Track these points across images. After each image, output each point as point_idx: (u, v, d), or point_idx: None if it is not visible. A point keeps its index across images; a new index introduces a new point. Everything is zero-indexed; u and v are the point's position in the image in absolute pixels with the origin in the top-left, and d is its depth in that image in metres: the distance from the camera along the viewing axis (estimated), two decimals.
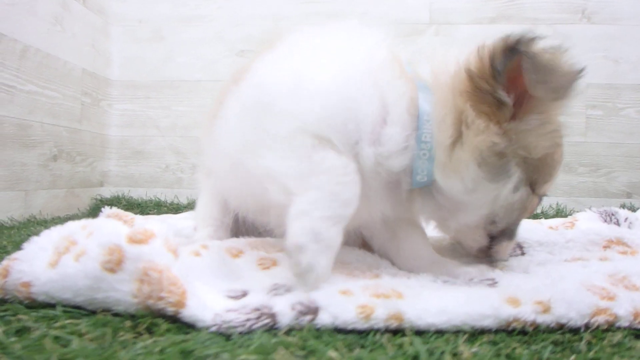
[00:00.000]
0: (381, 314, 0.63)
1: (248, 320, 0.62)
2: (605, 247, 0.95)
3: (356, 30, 0.82)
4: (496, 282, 0.76)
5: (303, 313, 0.63)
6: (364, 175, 0.75)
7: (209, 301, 0.66)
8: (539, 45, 0.68)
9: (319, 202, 0.70)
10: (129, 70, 2.35)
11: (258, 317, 0.62)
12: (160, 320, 0.63)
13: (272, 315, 0.63)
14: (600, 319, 0.65)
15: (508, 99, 0.71)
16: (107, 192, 2.30)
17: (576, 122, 2.12)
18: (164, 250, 0.67)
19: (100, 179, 2.29)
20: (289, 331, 0.62)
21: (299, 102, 0.74)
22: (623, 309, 0.66)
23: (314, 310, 0.64)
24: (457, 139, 0.74)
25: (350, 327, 0.63)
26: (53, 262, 0.70)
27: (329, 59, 0.78)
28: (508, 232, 0.84)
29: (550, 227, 1.04)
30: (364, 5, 2.27)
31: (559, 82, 0.67)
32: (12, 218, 1.63)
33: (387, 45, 0.80)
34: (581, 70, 0.69)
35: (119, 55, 2.34)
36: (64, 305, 0.68)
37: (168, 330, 0.61)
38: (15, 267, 0.72)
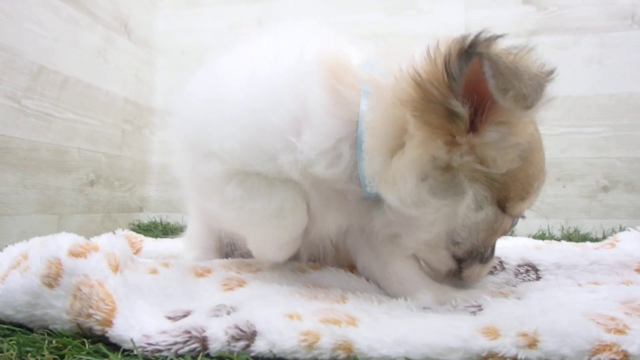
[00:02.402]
0: (326, 343, 0.55)
1: (175, 343, 0.56)
2: (639, 270, 0.80)
3: (285, 37, 0.76)
4: (481, 310, 0.64)
5: (236, 338, 0.56)
6: (308, 188, 0.71)
7: (144, 321, 0.60)
8: (501, 46, 0.57)
9: (264, 244, 0.81)
10: (171, 98, 2.43)
11: (185, 341, 0.56)
12: (87, 341, 0.59)
13: (202, 340, 0.56)
14: (604, 358, 0.51)
15: (463, 110, 0.60)
16: (145, 217, 2.35)
17: None
18: (103, 264, 0.63)
19: (140, 204, 2.36)
20: (220, 358, 0.55)
21: (218, 138, 0.71)
22: (636, 345, 0.52)
23: (249, 336, 0.56)
24: (398, 149, 0.65)
25: (290, 357, 0.55)
26: (2, 277, 0.68)
27: (242, 78, 0.72)
28: (478, 255, 0.74)
29: (575, 245, 0.89)
30: (396, 25, 2.22)
31: (526, 87, 0.55)
32: None
33: (319, 48, 0.71)
34: (551, 73, 0.58)
35: (162, 85, 2.43)
36: (8, 323, 0.66)
37: (88, 353, 0.56)
38: None
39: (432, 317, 0.61)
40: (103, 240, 0.68)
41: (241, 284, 0.76)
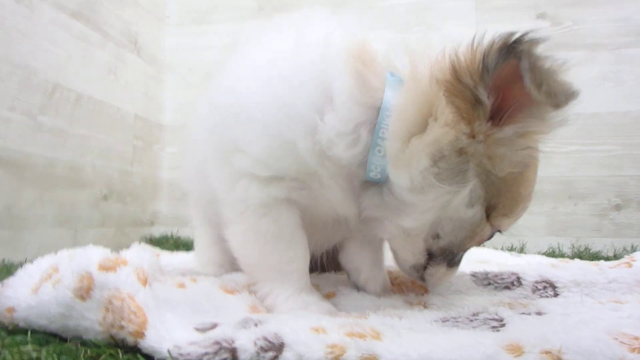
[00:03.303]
0: (352, 356, 0.55)
1: (206, 354, 0.57)
2: None
3: (305, 27, 0.77)
4: (504, 325, 0.65)
5: (265, 349, 0.57)
6: (326, 180, 0.75)
7: (174, 333, 0.62)
8: (542, 50, 0.61)
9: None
10: (180, 115, 2.46)
11: (216, 352, 0.57)
12: (120, 351, 0.60)
13: (232, 350, 0.57)
14: None
15: (487, 99, 0.64)
16: (156, 231, 2.37)
17: None
18: (133, 278, 0.65)
19: (151, 218, 2.38)
20: None
21: (243, 132, 0.75)
22: None
23: (278, 347, 0.57)
24: (418, 132, 0.68)
25: None
26: (35, 289, 0.70)
27: (266, 70, 0.75)
28: (449, 255, 0.77)
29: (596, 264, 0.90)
30: None
31: (558, 86, 0.59)
32: None
33: (345, 35, 0.74)
34: (578, 91, 0.60)
35: (170, 101, 2.47)
36: (42, 332, 0.68)
37: None
38: (2, 293, 0.73)
39: (456, 332, 0.62)
40: (132, 254, 0.69)
41: (267, 312, 0.77)
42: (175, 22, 2.54)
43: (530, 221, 2.09)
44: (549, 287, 0.86)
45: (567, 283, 0.86)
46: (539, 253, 1.91)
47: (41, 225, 1.66)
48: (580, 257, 1.65)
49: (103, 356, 0.59)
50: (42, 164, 1.65)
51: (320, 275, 0.99)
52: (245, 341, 0.58)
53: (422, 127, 0.68)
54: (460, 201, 0.69)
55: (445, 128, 0.66)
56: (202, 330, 0.64)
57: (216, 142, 0.82)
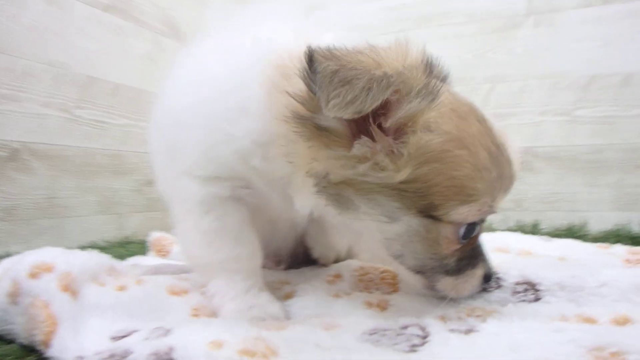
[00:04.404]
0: None
1: None
2: None
3: (244, 32, 0.74)
4: (425, 342, 0.57)
5: None
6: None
7: (86, 341, 0.62)
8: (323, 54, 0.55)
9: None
10: None
11: None
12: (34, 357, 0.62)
13: None
14: None
15: (335, 123, 0.59)
16: None
17: None
18: (53, 285, 0.66)
19: None
20: None
21: (180, 141, 0.75)
22: None
23: None
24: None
25: None
26: None
27: (195, 78, 0.75)
28: (437, 268, 0.68)
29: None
30: (452, 2, 2.07)
31: (355, 91, 0.53)
32: (106, 240, 1.84)
33: (270, 43, 0.69)
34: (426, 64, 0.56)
35: None
36: None
37: None
38: None
39: (366, 351, 0.56)
40: (61, 260, 0.71)
41: (211, 314, 0.75)
42: (217, 3, 2.54)
43: (593, 194, 1.87)
44: (530, 290, 0.75)
45: (551, 286, 0.73)
46: (602, 231, 1.71)
47: (83, 212, 1.78)
48: None
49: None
50: (81, 154, 1.76)
51: (289, 272, 0.95)
52: (138, 355, 0.57)
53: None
54: (375, 222, 0.64)
55: (302, 163, 0.63)
56: (116, 339, 0.64)
57: (162, 144, 0.83)
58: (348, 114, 0.54)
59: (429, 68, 0.60)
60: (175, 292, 0.79)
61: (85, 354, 0.59)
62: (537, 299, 0.74)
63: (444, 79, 0.75)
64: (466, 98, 0.69)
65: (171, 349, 0.57)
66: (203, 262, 0.79)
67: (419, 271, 0.69)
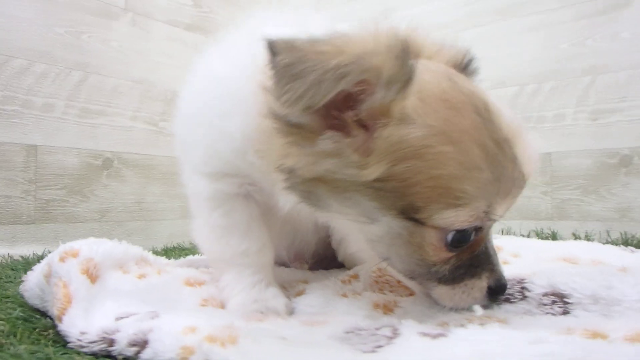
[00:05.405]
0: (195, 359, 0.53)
1: (92, 341, 0.62)
2: None
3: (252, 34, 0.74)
4: (391, 342, 0.52)
5: (132, 344, 0.59)
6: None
7: (95, 321, 0.67)
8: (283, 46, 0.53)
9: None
10: None
11: (101, 340, 0.62)
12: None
13: (110, 341, 0.61)
14: None
15: (305, 119, 0.56)
16: None
17: None
18: (75, 269, 0.73)
19: None
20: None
21: (190, 139, 0.78)
22: None
23: (142, 344, 0.58)
24: None
25: None
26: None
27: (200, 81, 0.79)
28: (427, 275, 0.61)
29: None
30: None
31: (305, 84, 0.50)
32: (190, 242, 1.98)
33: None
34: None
35: None
36: (37, 310, 0.81)
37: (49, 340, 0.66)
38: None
39: (331, 348, 0.53)
40: (86, 247, 0.78)
41: (220, 306, 0.77)
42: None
43: None
44: (558, 302, 0.65)
45: (583, 298, 0.63)
46: None
47: (169, 216, 1.94)
48: None
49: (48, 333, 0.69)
50: (167, 163, 1.93)
51: (311, 272, 0.94)
52: (122, 334, 0.61)
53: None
54: (353, 221, 0.60)
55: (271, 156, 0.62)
56: (118, 319, 0.69)
57: (179, 145, 0.88)
58: (298, 109, 0.52)
59: (405, 54, 0.53)
60: (190, 284, 0.83)
61: (90, 330, 0.65)
62: (565, 313, 0.64)
63: (472, 73, 0.70)
64: (476, 88, 0.61)
65: (150, 330, 0.60)
66: (214, 257, 0.81)
67: (412, 277, 0.64)
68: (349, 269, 0.93)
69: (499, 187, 0.56)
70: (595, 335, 0.50)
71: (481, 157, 0.55)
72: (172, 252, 1.66)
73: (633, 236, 1.55)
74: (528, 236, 1.67)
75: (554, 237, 1.65)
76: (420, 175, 0.54)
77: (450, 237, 0.57)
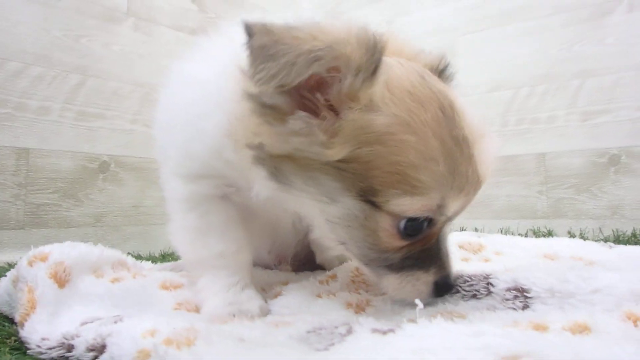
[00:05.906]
0: None
1: (51, 347, 0.63)
2: None
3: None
4: (343, 340, 0.52)
5: (90, 349, 0.59)
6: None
7: (60, 326, 0.68)
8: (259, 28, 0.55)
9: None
10: None
11: (59, 346, 0.62)
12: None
13: (69, 346, 0.61)
14: None
15: (277, 100, 0.58)
16: None
17: None
18: (42, 273, 0.74)
19: None
20: None
21: (168, 144, 0.79)
22: None
23: (100, 348, 0.59)
24: None
25: None
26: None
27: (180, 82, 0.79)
28: (381, 261, 0.63)
29: None
30: None
31: (279, 65, 0.52)
32: None
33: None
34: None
35: None
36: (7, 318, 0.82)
37: (9, 347, 0.67)
38: None
39: (284, 347, 0.53)
40: (58, 250, 0.79)
41: (195, 309, 0.78)
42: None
43: None
44: (519, 296, 0.64)
45: (542, 292, 0.62)
46: None
47: (167, 221, 1.95)
48: None
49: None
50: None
51: (290, 273, 0.94)
52: (81, 340, 0.61)
53: None
54: (313, 200, 0.61)
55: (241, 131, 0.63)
56: (84, 323, 0.69)
57: (157, 148, 0.88)
58: (271, 87, 0.54)
59: (374, 46, 0.57)
60: (165, 287, 0.83)
61: (51, 336, 0.65)
62: (525, 307, 0.63)
63: (448, 78, 0.71)
64: (445, 88, 0.64)
65: (109, 335, 0.60)
66: (191, 259, 0.82)
67: (366, 263, 0.65)
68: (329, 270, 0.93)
69: (453, 182, 0.58)
70: (538, 327, 0.50)
71: (438, 150, 0.57)
72: (169, 257, 1.66)
73: (624, 233, 1.54)
74: (526, 235, 1.67)
75: (550, 235, 1.64)
76: (381, 160, 0.56)
77: (402, 224, 0.59)
